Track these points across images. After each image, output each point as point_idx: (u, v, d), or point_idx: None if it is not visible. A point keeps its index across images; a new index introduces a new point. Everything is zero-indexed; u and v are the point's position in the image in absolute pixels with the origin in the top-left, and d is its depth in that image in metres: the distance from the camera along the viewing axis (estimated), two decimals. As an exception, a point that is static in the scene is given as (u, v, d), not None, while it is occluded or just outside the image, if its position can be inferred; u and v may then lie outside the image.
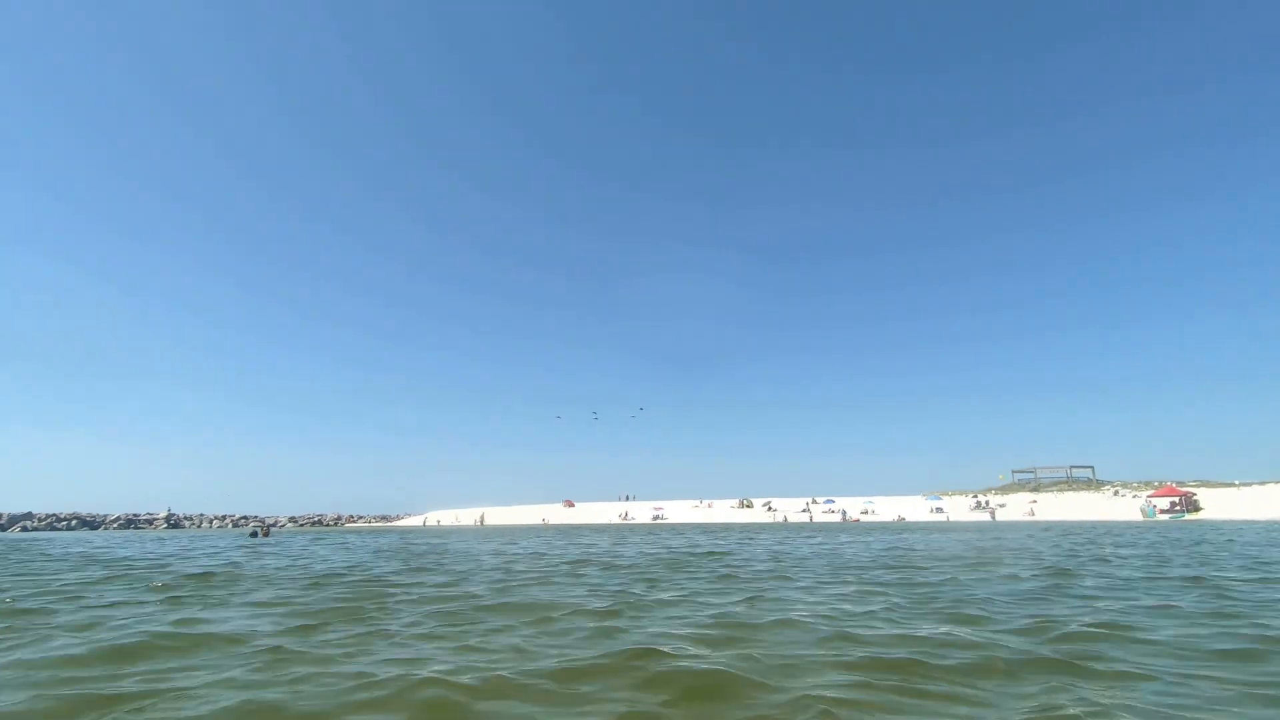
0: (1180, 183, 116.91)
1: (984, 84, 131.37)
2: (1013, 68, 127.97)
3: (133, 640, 4.41)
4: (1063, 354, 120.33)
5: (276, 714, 2.92)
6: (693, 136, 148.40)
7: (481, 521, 64.78)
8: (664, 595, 6.74)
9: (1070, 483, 67.30)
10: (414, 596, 6.77)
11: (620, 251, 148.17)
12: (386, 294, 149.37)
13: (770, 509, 68.01)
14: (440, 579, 8.55)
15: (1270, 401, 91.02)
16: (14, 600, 6.72)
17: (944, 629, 4.65)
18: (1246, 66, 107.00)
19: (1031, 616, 5.11)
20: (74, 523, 70.60)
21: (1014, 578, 8.09)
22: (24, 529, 65.47)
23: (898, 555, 12.28)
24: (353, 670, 3.59)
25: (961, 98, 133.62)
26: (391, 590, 7.32)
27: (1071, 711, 2.83)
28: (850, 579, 8.14)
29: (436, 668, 3.60)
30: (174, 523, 74.37)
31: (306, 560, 12.44)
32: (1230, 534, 19.99)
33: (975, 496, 66.63)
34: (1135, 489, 60.77)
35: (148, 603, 6.57)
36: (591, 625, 4.97)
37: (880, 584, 7.59)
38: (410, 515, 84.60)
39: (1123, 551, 12.42)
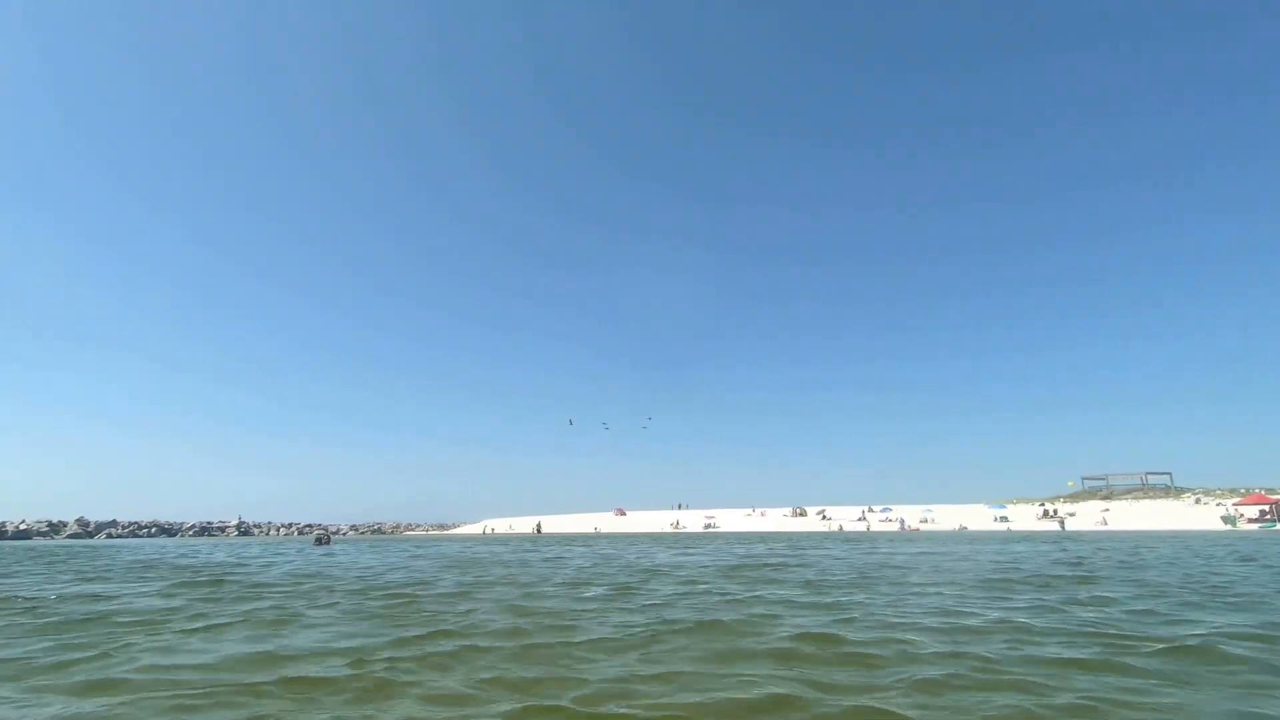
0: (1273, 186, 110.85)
1: (995, 87, 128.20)
2: (1011, 69, 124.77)
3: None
4: (1137, 358, 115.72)
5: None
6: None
7: (539, 530, 65.66)
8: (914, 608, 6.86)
9: (1146, 489, 64.45)
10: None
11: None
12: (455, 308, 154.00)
13: (825, 517, 67.04)
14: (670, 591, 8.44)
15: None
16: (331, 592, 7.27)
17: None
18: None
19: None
20: (154, 530, 74.41)
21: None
22: (109, 535, 69.36)
23: (1070, 563, 12.10)
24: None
25: (987, 97, 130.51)
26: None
27: None
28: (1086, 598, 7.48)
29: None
30: (244, 530, 77.63)
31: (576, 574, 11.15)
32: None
33: (1042, 505, 64.39)
34: (1219, 496, 57.82)
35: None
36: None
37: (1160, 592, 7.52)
38: (465, 524, 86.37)
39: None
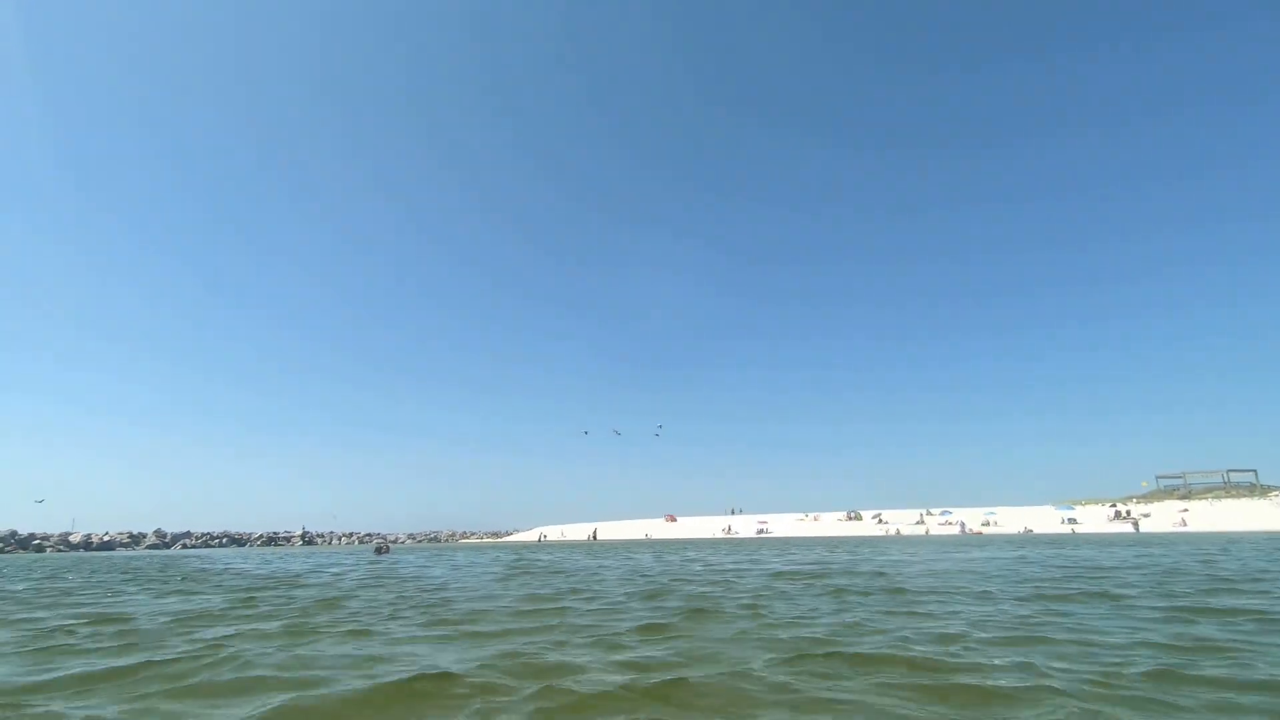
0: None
1: (996, 87, 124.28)
2: (1012, 70, 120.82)
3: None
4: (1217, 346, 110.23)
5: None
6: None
7: (594, 537, 66.22)
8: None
9: (1228, 488, 61.39)
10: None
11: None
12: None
13: (881, 521, 65.86)
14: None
15: None
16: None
17: None
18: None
19: None
20: (225, 540, 77.63)
21: None
22: (184, 546, 72.69)
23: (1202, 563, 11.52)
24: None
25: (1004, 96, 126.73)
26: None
27: None
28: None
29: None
30: (308, 540, 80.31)
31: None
32: None
33: (1114, 505, 61.90)
34: (1310, 494, 54.79)
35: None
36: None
37: None
38: (519, 531, 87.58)
39: None
